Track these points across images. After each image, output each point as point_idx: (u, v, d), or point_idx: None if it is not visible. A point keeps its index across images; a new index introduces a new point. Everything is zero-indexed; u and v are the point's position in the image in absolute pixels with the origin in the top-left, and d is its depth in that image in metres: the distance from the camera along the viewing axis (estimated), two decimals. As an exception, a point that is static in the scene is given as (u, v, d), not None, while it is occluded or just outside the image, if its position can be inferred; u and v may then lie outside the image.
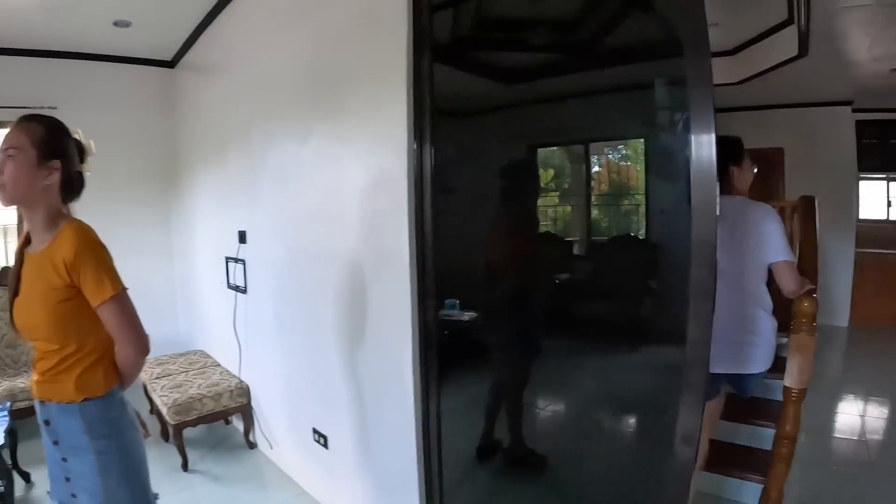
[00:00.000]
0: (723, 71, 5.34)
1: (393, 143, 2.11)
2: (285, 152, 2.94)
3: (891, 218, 7.35)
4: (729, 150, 2.38)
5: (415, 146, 2.05)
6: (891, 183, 7.32)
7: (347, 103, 2.40)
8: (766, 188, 6.53)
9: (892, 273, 6.80)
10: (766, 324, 2.35)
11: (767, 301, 2.35)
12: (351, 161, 2.41)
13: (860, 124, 6.78)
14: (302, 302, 2.94)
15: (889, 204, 7.37)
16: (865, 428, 3.93)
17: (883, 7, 3.81)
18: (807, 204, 3.27)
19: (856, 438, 3.76)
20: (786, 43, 4.73)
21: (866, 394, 4.63)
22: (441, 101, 2.07)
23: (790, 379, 2.23)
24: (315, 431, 2.91)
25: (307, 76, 2.71)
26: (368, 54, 2.26)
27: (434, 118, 2.01)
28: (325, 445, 2.84)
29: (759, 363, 2.36)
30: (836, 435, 3.84)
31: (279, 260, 3.09)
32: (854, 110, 6.69)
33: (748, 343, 2.33)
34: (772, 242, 2.24)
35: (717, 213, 1.36)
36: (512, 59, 2.13)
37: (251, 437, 3.71)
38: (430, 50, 2.00)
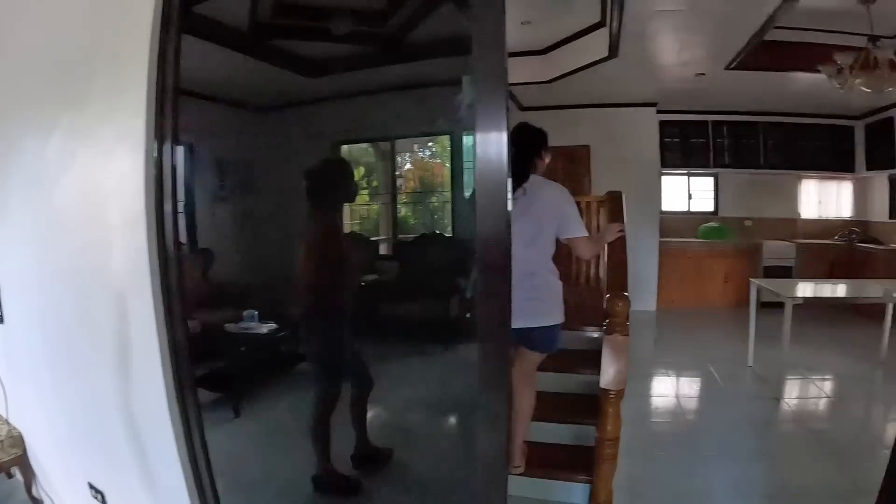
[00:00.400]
0: (533, 70, 5.49)
1: (133, 139, 1.74)
2: (31, 152, 2.37)
3: (691, 210, 8.23)
4: (539, 139, 2.71)
5: (154, 144, 1.68)
6: (690, 178, 8.20)
7: (90, 91, 1.96)
8: (573, 183, 6.87)
9: (693, 260, 7.58)
10: (553, 283, 2.63)
11: (552, 265, 2.65)
12: (94, 162, 1.98)
13: (663, 124, 7.51)
14: (66, 331, 2.41)
15: (689, 197, 8.27)
16: (682, 408, 4.18)
17: (695, 12, 4.04)
18: (614, 199, 3.37)
19: (674, 420, 3.97)
20: (597, 44, 4.94)
21: (678, 374, 4.97)
22: (215, 90, 1.88)
23: (606, 380, 2.20)
24: (91, 487, 2.41)
25: (51, 54, 2.19)
26: (112, 26, 1.84)
27: (176, 110, 1.66)
28: (104, 503, 2.36)
29: (546, 318, 2.58)
30: (656, 419, 4.00)
31: (36, 283, 2.52)
32: (658, 111, 7.35)
33: (536, 299, 2.52)
34: (569, 222, 2.57)
35: (509, 208, 1.27)
36: (305, 48, 1.93)
37: (34, 493, 3.03)
38: (178, 23, 1.62)
